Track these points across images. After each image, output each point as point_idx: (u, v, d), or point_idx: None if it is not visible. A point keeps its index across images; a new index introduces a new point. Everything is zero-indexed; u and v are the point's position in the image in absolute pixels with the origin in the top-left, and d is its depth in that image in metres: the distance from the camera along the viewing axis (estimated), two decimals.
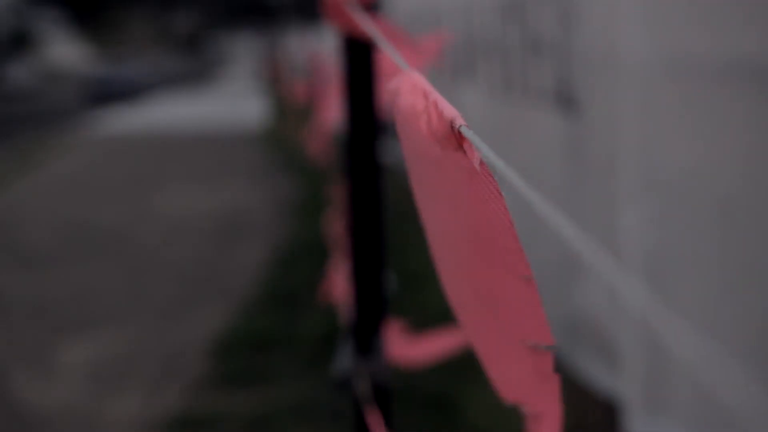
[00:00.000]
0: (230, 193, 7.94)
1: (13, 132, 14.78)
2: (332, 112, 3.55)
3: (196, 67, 43.49)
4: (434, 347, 1.56)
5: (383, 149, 1.48)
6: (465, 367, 3.54)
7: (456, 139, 0.54)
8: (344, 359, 1.51)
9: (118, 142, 12.73)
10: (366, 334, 1.49)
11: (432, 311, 4.18)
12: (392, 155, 2.66)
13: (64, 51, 47.90)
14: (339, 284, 2.32)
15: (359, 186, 1.47)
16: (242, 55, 52.00)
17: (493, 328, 0.58)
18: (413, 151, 0.61)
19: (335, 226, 3.22)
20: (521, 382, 0.55)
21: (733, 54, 2.05)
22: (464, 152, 0.53)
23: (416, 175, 0.67)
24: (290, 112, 14.04)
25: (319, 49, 11.72)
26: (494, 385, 0.60)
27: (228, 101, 20.24)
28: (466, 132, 0.52)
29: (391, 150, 2.47)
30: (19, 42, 41.34)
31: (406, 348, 1.54)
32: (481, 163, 0.52)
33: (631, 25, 2.52)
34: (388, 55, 0.88)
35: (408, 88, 0.62)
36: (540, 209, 0.44)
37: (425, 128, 0.57)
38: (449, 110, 0.55)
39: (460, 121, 0.53)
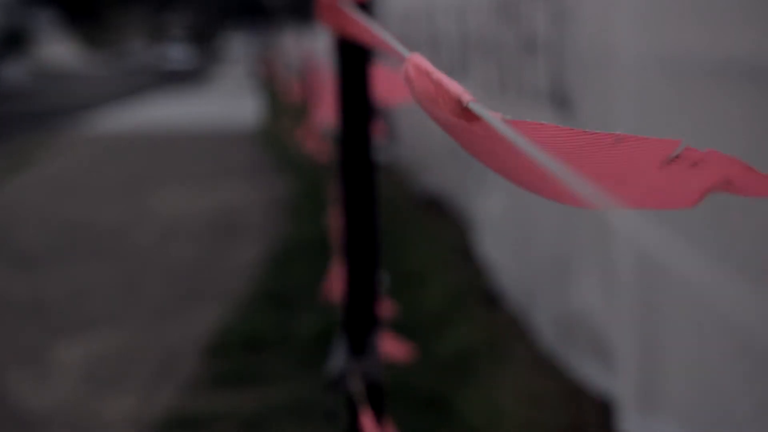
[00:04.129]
0: (225, 193, 7.93)
1: (8, 131, 14.75)
2: (327, 112, 3.54)
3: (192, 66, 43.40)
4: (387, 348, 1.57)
5: (377, 148, 1.48)
6: (459, 367, 3.54)
7: (466, 115, 0.53)
8: (338, 359, 1.51)
9: (114, 141, 12.71)
10: (360, 334, 1.49)
11: (425, 310, 4.18)
12: (386, 154, 2.66)
13: (59, 50, 47.82)
14: (338, 283, 2.33)
15: (353, 185, 1.46)
16: (238, 54, 51.94)
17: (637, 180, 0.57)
18: (449, 128, 0.61)
19: (334, 224, 3.22)
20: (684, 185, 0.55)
21: (729, 53, 2.05)
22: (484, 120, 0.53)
23: (465, 143, 0.65)
24: (285, 111, 14.03)
25: (313, 48, 11.72)
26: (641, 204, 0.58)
27: (223, 100, 20.22)
28: (475, 107, 0.52)
29: (386, 149, 2.47)
30: (14, 41, 41.27)
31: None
32: (504, 119, 0.52)
33: (625, 24, 2.52)
34: (385, 50, 0.88)
35: (415, 73, 0.61)
36: (554, 170, 0.43)
37: (444, 107, 0.56)
38: (455, 88, 0.54)
39: (467, 98, 0.53)
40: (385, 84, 1.55)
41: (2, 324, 4.46)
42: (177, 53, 27.88)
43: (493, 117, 0.51)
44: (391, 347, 1.58)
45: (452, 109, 0.55)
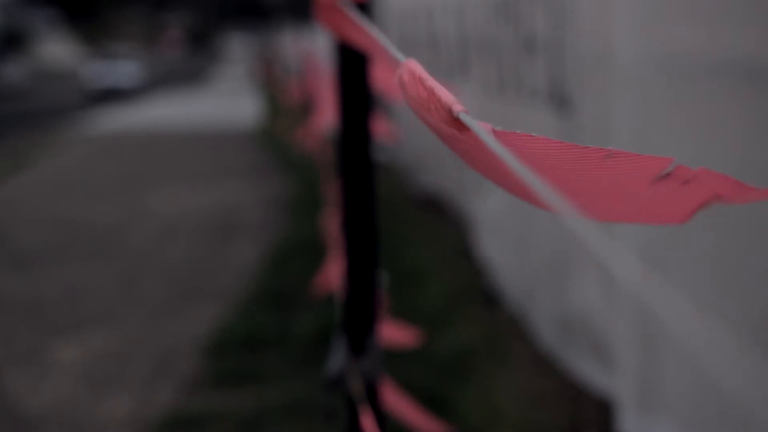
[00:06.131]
0: (224, 192, 7.93)
1: (7, 131, 14.74)
2: (326, 112, 3.55)
3: (190, 66, 43.38)
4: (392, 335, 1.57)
5: (376, 148, 1.48)
6: (459, 366, 3.54)
7: (457, 125, 0.53)
8: (337, 358, 1.50)
9: (112, 141, 12.71)
10: (359, 334, 1.49)
11: (425, 309, 4.18)
12: (385, 154, 2.66)
13: (58, 50, 47.80)
14: (334, 279, 2.33)
15: (352, 185, 1.46)
16: (236, 54, 51.93)
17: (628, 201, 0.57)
18: (439, 133, 0.61)
19: (331, 224, 3.22)
20: (668, 200, 0.54)
21: (727, 52, 2.05)
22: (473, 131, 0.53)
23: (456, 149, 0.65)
24: (284, 111, 14.03)
25: (312, 48, 11.72)
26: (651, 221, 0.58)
27: (222, 100, 20.22)
28: (465, 117, 0.52)
29: (385, 149, 2.47)
30: (13, 41, 41.26)
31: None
32: (494, 130, 0.52)
33: (624, 24, 2.52)
34: (383, 51, 0.88)
35: (409, 78, 0.61)
36: (538, 188, 0.43)
37: (435, 115, 0.56)
38: (446, 97, 0.54)
39: (458, 108, 0.53)
40: (387, 78, 1.55)
41: (0, 323, 4.46)
42: (118, 69, 26.00)
43: (481, 128, 0.51)
44: (397, 334, 1.58)
45: (443, 118, 0.55)
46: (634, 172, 0.52)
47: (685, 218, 0.55)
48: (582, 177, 0.54)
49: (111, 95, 24.29)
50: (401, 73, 0.64)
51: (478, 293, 4.40)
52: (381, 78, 1.47)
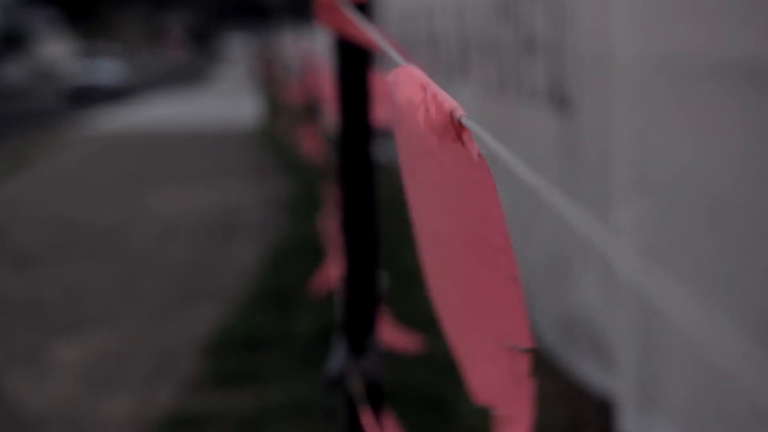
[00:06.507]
0: (224, 192, 7.93)
1: (7, 131, 14.74)
2: (326, 112, 3.54)
3: (190, 66, 43.37)
4: (395, 339, 1.57)
5: (376, 148, 1.48)
6: (457, 366, 3.54)
7: (455, 130, 0.53)
8: (338, 358, 1.50)
9: (112, 141, 12.71)
10: (359, 334, 1.48)
11: (425, 309, 4.17)
12: (385, 154, 2.66)
13: (58, 50, 47.81)
14: (333, 279, 2.33)
15: (352, 185, 1.46)
16: (236, 54, 51.93)
17: (473, 327, 0.58)
18: (408, 144, 0.61)
19: (330, 224, 3.22)
20: (495, 383, 0.55)
21: (727, 52, 2.05)
22: (462, 143, 0.53)
23: (409, 170, 0.66)
24: (284, 111, 14.03)
25: (312, 48, 11.71)
26: (468, 385, 0.59)
27: (222, 100, 20.21)
28: (467, 122, 0.52)
29: (385, 149, 2.47)
30: (13, 41, 41.26)
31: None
32: (480, 154, 0.52)
33: (624, 24, 2.52)
34: (383, 52, 0.88)
35: (405, 80, 0.61)
36: (542, 193, 0.43)
37: (423, 120, 0.56)
38: (449, 101, 0.54)
39: (460, 112, 0.53)
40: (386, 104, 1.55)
41: (0, 323, 4.46)
42: (102, 68, 24.67)
43: (482, 132, 0.51)
44: (398, 339, 1.58)
45: (437, 121, 0.55)
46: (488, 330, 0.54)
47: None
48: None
49: (89, 94, 23.39)
50: (397, 73, 0.64)
51: None
52: (380, 102, 1.48)
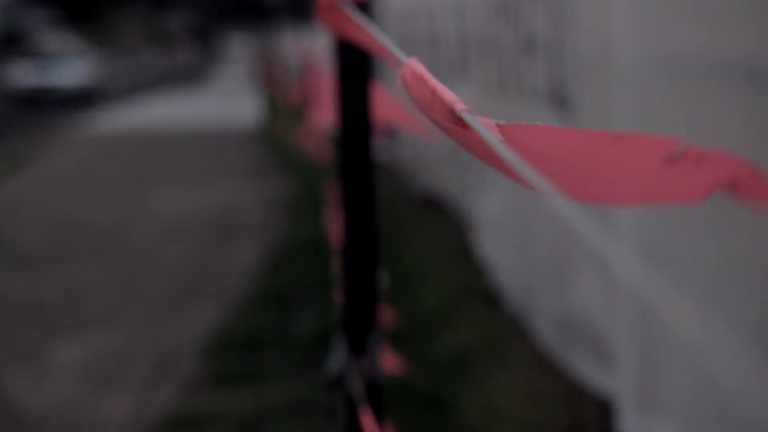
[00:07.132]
0: (224, 192, 7.93)
1: (7, 131, 14.74)
2: (327, 113, 3.55)
3: (190, 66, 43.36)
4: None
5: (376, 148, 1.48)
6: (459, 367, 3.54)
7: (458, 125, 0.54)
8: (337, 359, 1.50)
9: (112, 141, 12.71)
10: (359, 334, 1.49)
11: (425, 309, 4.18)
12: (385, 154, 2.65)
13: None
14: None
15: (352, 185, 1.46)
16: (236, 54, 51.93)
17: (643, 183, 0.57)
18: (445, 130, 0.61)
19: (333, 224, 3.22)
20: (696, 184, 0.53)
21: (727, 52, 2.05)
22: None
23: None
24: (284, 111, 14.03)
25: (312, 48, 11.72)
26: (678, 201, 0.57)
27: (222, 100, 20.21)
28: (467, 117, 0.52)
29: (384, 149, 2.46)
30: (13, 41, 41.25)
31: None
32: (498, 125, 0.52)
33: (624, 24, 2.52)
34: (383, 50, 0.88)
35: (411, 78, 0.61)
36: (543, 190, 0.43)
37: (440, 114, 0.57)
38: (448, 96, 0.54)
39: (460, 107, 0.53)
40: (386, 107, 1.55)
41: (0, 324, 4.46)
42: (64, 67, 20.83)
43: (483, 126, 0.51)
44: (384, 359, 1.58)
45: (446, 117, 0.55)
46: (644, 153, 0.52)
47: (699, 199, 0.55)
48: (591, 162, 0.54)
49: (43, 97, 20.74)
50: (404, 72, 0.64)
51: (479, 293, 4.40)
52: (380, 106, 1.48)
